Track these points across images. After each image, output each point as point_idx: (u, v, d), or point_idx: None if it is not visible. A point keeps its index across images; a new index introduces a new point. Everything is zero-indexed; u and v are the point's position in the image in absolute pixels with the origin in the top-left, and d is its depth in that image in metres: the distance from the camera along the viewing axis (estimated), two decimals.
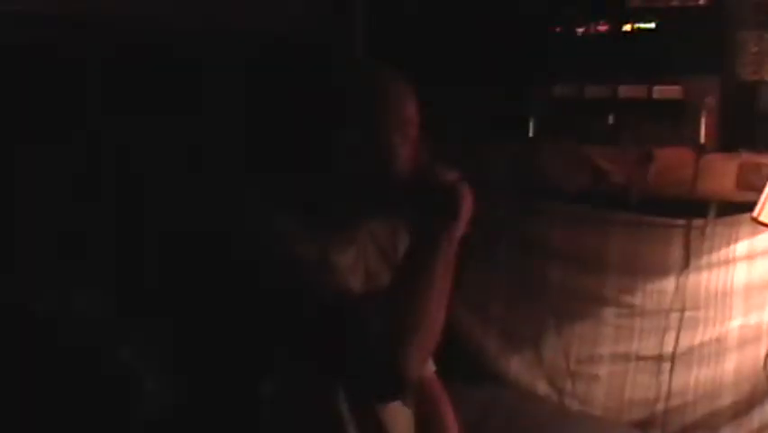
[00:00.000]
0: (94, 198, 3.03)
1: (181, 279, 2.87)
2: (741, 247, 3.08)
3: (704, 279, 3.14)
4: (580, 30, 3.22)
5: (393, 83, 2.21)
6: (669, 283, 3.17)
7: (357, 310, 2.05)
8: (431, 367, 2.54)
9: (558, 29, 3.27)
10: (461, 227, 2.12)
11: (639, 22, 3.13)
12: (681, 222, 3.14)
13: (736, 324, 3.11)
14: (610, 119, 3.18)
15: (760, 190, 2.68)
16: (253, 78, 3.29)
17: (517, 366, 3.39)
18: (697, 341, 3.16)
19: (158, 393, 2.86)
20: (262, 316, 2.15)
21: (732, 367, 3.11)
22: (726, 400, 3.12)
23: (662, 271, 3.19)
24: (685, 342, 3.16)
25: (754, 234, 3.02)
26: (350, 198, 2.22)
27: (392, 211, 2.25)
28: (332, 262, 2.18)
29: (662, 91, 3.08)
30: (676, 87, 3.07)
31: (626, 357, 3.26)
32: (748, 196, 2.81)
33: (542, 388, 3.36)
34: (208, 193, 3.08)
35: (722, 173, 3.01)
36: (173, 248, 3.02)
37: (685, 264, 3.13)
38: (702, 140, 3.03)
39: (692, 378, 3.17)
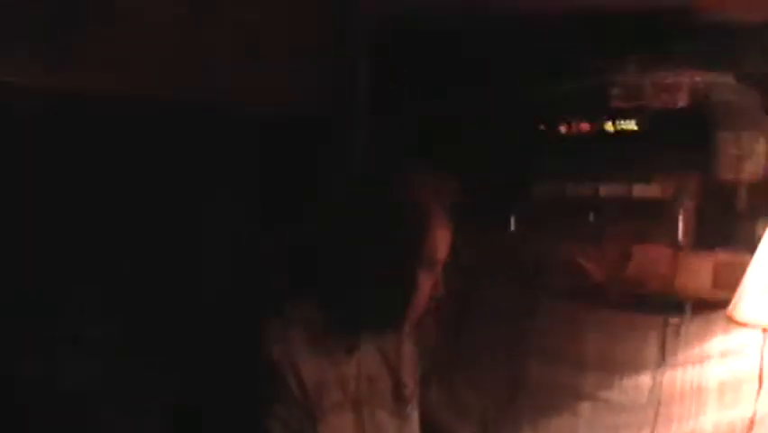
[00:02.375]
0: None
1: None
2: (715, 345, 3.11)
3: (679, 375, 3.16)
4: (563, 129, 3.29)
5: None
6: (645, 379, 3.20)
7: None
8: None
9: (542, 127, 3.33)
10: None
11: (621, 122, 3.21)
12: (658, 319, 3.18)
13: (710, 420, 3.14)
14: (590, 217, 3.24)
15: (734, 289, 2.73)
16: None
17: None
18: None
19: None
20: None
21: None
22: None
23: (639, 367, 3.21)
24: None
25: (727, 331, 3.06)
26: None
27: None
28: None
29: (641, 190, 3.15)
30: (655, 187, 3.13)
31: None
32: (723, 294, 2.85)
33: None
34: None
35: (698, 271, 3.07)
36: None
37: (661, 360, 3.17)
38: (680, 238, 3.09)
39: None
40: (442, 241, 2.24)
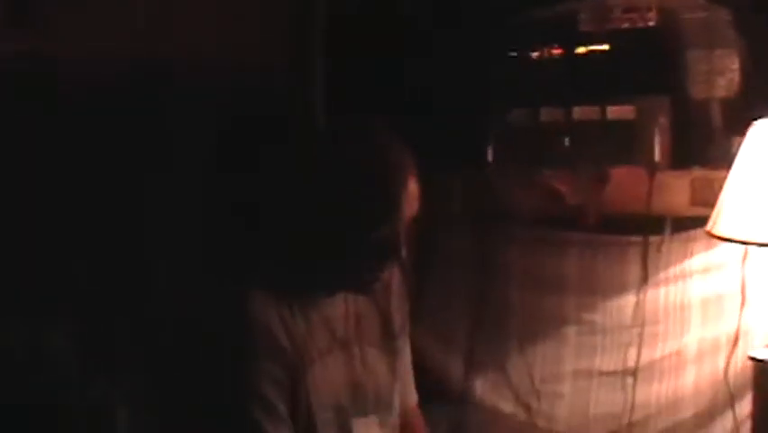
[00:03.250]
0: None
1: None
2: (696, 262, 3.14)
3: (662, 294, 3.19)
4: (535, 54, 3.28)
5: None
6: (628, 300, 3.23)
7: None
8: (414, 397, 2.60)
9: (513, 54, 3.32)
10: None
11: (592, 45, 3.20)
12: (637, 239, 3.20)
13: (694, 337, 3.18)
14: (565, 141, 3.24)
15: (713, 205, 2.74)
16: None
17: (483, 387, 3.42)
18: (657, 355, 3.21)
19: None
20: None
21: (692, 380, 3.18)
22: (688, 412, 3.18)
23: (621, 288, 3.24)
24: (646, 356, 3.22)
25: (708, 248, 3.09)
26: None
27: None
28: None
29: (615, 111, 3.14)
30: (629, 108, 3.13)
31: (588, 374, 3.31)
32: (702, 211, 2.86)
33: (507, 407, 3.40)
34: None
35: (676, 190, 3.08)
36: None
37: (643, 281, 3.19)
38: (656, 158, 3.10)
39: (654, 392, 3.22)
40: (413, 196, 2.21)
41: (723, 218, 2.67)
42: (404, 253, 2.25)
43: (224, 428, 2.22)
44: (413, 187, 2.19)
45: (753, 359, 2.74)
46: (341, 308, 2.35)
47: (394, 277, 2.50)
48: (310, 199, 2.23)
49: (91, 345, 2.95)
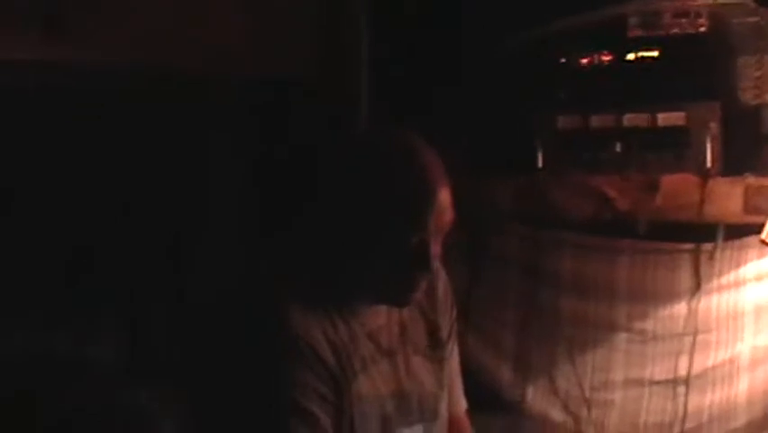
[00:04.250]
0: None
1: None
2: (750, 269, 3.12)
3: (714, 302, 3.17)
4: (584, 60, 3.26)
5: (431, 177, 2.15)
6: (680, 307, 3.21)
7: None
8: (463, 404, 2.58)
9: (562, 60, 3.31)
10: None
11: (642, 51, 3.18)
12: (689, 246, 3.18)
13: (747, 345, 3.15)
14: (617, 148, 3.22)
15: (767, 213, 2.71)
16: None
17: (532, 395, 3.42)
18: (710, 363, 3.19)
19: None
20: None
21: (745, 388, 3.15)
22: (741, 420, 3.15)
23: (673, 296, 3.22)
24: (698, 365, 3.19)
25: (761, 256, 3.06)
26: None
27: None
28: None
29: (666, 118, 3.12)
30: (680, 114, 3.10)
31: (639, 382, 3.29)
32: (755, 218, 2.84)
33: (557, 416, 3.38)
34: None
35: (728, 197, 3.05)
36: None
37: (695, 288, 3.17)
38: (708, 165, 3.07)
39: (706, 400, 3.20)
40: (444, 207, 2.19)
41: None
42: (435, 264, 2.23)
43: None
44: (444, 198, 2.16)
45: None
46: (384, 317, 2.33)
47: (439, 284, 2.48)
48: (342, 209, 2.22)
49: (133, 356, 2.96)
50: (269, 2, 3.38)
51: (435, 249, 2.18)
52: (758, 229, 2.74)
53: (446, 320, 2.49)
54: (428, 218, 2.13)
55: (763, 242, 2.70)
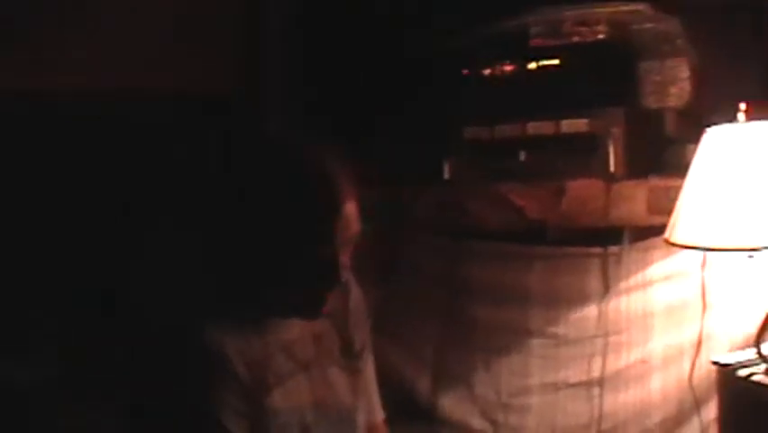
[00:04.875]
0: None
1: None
2: (657, 269, 3.17)
3: (624, 303, 3.22)
4: (487, 71, 3.30)
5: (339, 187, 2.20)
6: (591, 310, 3.25)
7: None
8: (380, 414, 2.60)
9: (465, 72, 3.34)
10: None
11: (543, 60, 3.22)
12: (597, 250, 3.22)
13: (658, 344, 3.19)
14: (522, 156, 3.26)
15: (670, 213, 2.76)
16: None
17: (450, 402, 3.43)
18: (622, 364, 3.23)
19: None
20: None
21: (658, 386, 3.19)
22: (656, 418, 3.19)
23: (584, 299, 3.26)
24: (611, 366, 3.23)
25: (667, 255, 3.11)
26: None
27: None
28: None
29: (569, 125, 3.16)
30: (583, 121, 3.15)
31: (555, 386, 3.32)
32: (659, 219, 2.88)
33: (476, 423, 3.41)
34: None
35: (633, 199, 3.11)
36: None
37: (605, 291, 3.22)
38: (612, 169, 3.13)
39: (621, 400, 3.24)
40: (351, 219, 2.21)
41: (680, 226, 2.69)
42: (344, 275, 2.25)
43: None
44: (351, 209, 2.18)
45: (716, 364, 2.75)
46: (297, 330, 2.35)
47: (351, 296, 2.50)
48: (247, 221, 2.24)
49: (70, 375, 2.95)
50: (192, 18, 3.39)
51: (344, 260, 2.21)
52: (663, 230, 2.78)
53: (360, 331, 2.52)
54: (335, 230, 2.16)
55: (666, 241, 2.75)
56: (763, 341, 2.58)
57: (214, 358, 2.19)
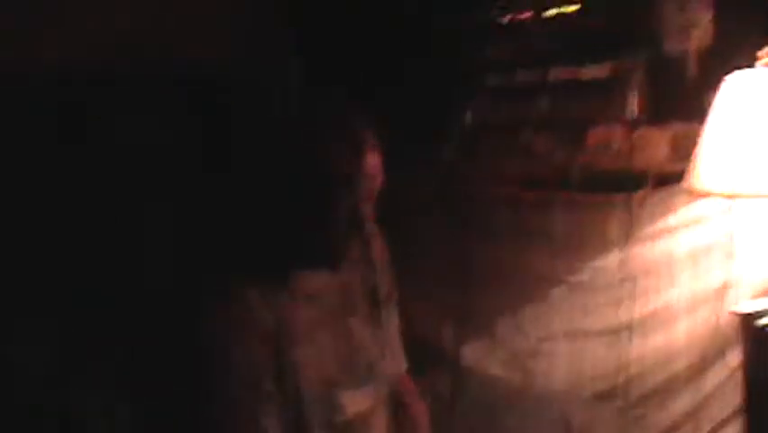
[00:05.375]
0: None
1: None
2: (681, 216, 3.14)
3: (648, 249, 3.20)
4: (506, 18, 3.27)
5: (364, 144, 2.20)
6: (614, 257, 3.24)
7: None
8: (404, 365, 2.61)
9: (485, 16, 3.32)
10: None
11: (561, 5, 3.19)
12: (620, 197, 3.20)
13: (683, 291, 3.18)
14: (543, 102, 3.24)
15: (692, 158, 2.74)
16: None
17: (476, 350, 3.46)
18: (647, 310, 3.22)
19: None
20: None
21: (683, 332, 3.18)
22: (681, 364, 3.19)
23: (607, 246, 3.25)
24: (636, 312, 3.23)
25: (691, 202, 3.09)
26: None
27: None
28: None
29: (590, 71, 3.14)
30: (604, 66, 3.13)
31: (582, 332, 3.33)
32: (683, 165, 2.85)
33: (502, 370, 3.43)
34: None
35: (656, 145, 3.08)
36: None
37: (628, 237, 3.20)
38: (634, 114, 3.10)
39: (648, 346, 3.23)
40: (374, 169, 2.21)
41: (701, 173, 2.67)
42: (367, 226, 2.26)
43: (211, 409, 2.24)
44: (373, 160, 2.19)
45: (736, 313, 2.74)
46: (322, 281, 2.35)
47: (375, 245, 2.50)
48: (272, 174, 2.24)
49: (62, 357, 2.96)
50: None
51: (367, 211, 2.22)
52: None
53: (384, 280, 2.52)
54: (358, 181, 2.16)
55: (687, 188, 2.73)
56: None
57: (241, 309, 2.20)
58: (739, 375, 2.88)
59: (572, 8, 3.17)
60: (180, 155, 3.21)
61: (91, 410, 2.93)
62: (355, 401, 2.37)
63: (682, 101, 3.05)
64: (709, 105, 2.70)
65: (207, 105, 3.27)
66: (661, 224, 3.17)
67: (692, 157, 2.73)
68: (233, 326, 2.21)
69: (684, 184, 2.76)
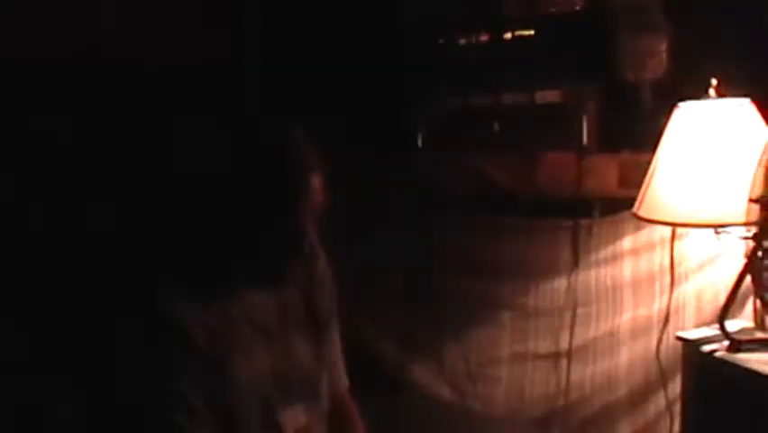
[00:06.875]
0: None
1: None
2: (626, 243, 3.18)
3: (593, 276, 3.23)
4: (462, 41, 3.28)
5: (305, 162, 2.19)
6: (560, 282, 3.26)
7: None
8: (345, 383, 2.60)
9: (441, 41, 3.32)
10: None
11: (518, 30, 3.21)
12: (568, 222, 3.22)
13: (626, 317, 3.21)
14: (495, 126, 3.25)
15: (641, 187, 2.76)
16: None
17: (419, 372, 3.44)
18: (590, 336, 3.25)
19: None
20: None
21: (625, 359, 3.21)
22: (622, 391, 3.21)
23: (554, 271, 3.27)
24: (579, 338, 3.25)
25: (637, 229, 3.12)
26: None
27: None
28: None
29: (543, 96, 3.16)
30: (557, 92, 3.15)
31: (524, 357, 3.34)
32: (631, 193, 2.88)
33: (444, 392, 3.42)
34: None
35: (604, 173, 3.11)
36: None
37: (575, 263, 3.22)
38: (585, 141, 3.12)
39: (588, 372, 3.26)
40: (315, 190, 2.21)
41: (648, 201, 2.70)
42: (308, 245, 2.26)
43: (144, 430, 2.22)
44: (316, 181, 2.19)
45: (680, 339, 2.76)
46: (261, 300, 2.34)
47: (317, 265, 2.50)
48: (214, 192, 2.23)
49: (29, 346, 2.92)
50: None
51: (308, 230, 2.21)
52: (633, 204, 2.78)
53: (325, 300, 2.51)
54: (299, 201, 2.16)
55: (634, 215, 2.75)
56: (727, 317, 2.58)
57: (173, 328, 2.18)
58: (680, 404, 2.90)
59: (529, 32, 3.17)
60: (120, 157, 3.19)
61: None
62: (294, 419, 2.36)
63: (634, 129, 3.07)
64: (661, 134, 2.73)
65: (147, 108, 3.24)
66: (607, 250, 3.19)
67: (641, 185, 2.75)
68: (165, 346, 2.19)
69: (631, 212, 2.79)
